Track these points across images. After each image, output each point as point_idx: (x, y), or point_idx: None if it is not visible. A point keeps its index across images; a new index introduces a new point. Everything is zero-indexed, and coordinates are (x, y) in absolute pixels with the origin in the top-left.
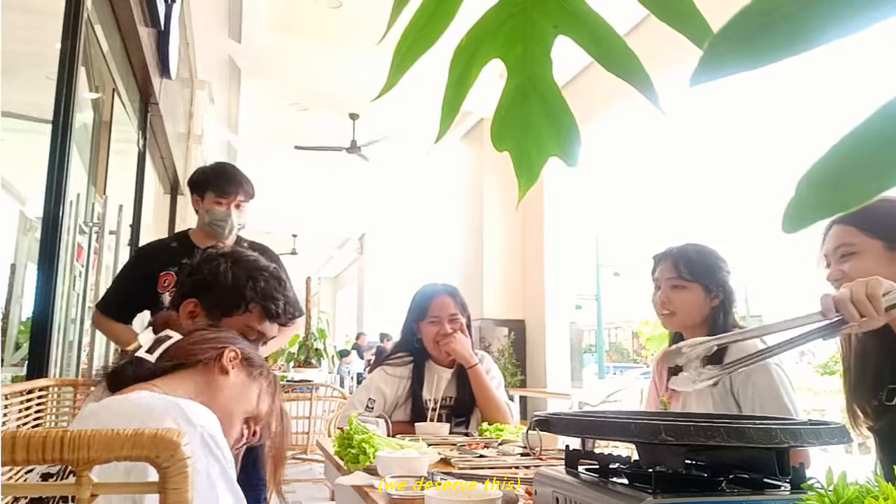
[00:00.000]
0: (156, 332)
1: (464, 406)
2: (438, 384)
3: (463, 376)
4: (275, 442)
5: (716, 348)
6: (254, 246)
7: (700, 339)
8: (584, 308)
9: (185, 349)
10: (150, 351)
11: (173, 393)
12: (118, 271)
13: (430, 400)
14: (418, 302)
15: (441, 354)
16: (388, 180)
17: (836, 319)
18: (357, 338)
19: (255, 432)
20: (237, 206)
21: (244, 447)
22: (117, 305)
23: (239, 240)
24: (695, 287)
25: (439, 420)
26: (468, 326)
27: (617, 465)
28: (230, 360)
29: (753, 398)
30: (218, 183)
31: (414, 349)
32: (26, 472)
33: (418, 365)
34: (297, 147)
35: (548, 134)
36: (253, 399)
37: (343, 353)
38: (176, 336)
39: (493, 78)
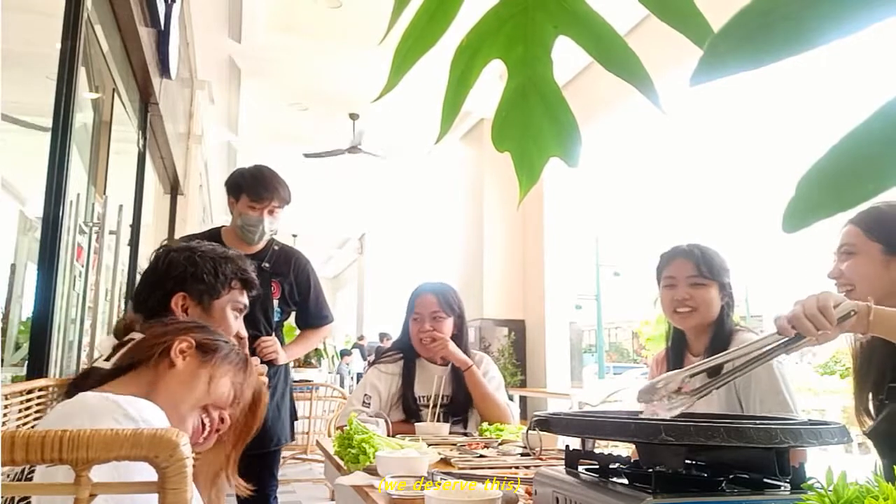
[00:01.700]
0: (118, 336)
1: (459, 404)
2: (433, 382)
3: (458, 375)
4: (237, 422)
5: (688, 378)
6: (285, 249)
7: (670, 373)
8: (584, 308)
9: (141, 348)
10: (109, 358)
11: (122, 393)
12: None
13: (424, 397)
14: (409, 300)
15: (425, 353)
16: (388, 180)
17: (793, 336)
18: (359, 339)
19: (222, 419)
20: (271, 212)
21: (213, 435)
22: None
23: (271, 242)
24: (713, 286)
25: (435, 419)
26: (462, 325)
27: (617, 465)
28: (179, 353)
29: (756, 393)
30: (254, 187)
31: (407, 346)
32: None
33: (409, 361)
34: (306, 155)
35: (548, 134)
36: (202, 387)
37: (344, 353)
38: (138, 337)
39: (493, 78)
